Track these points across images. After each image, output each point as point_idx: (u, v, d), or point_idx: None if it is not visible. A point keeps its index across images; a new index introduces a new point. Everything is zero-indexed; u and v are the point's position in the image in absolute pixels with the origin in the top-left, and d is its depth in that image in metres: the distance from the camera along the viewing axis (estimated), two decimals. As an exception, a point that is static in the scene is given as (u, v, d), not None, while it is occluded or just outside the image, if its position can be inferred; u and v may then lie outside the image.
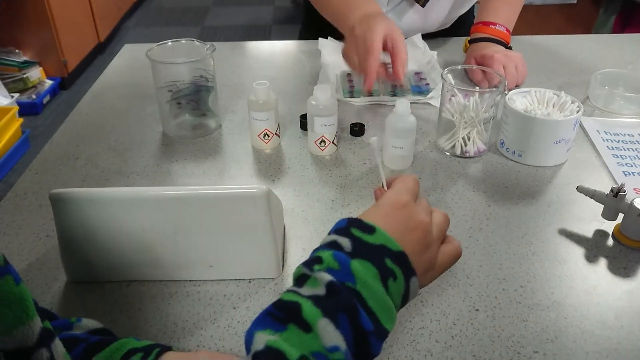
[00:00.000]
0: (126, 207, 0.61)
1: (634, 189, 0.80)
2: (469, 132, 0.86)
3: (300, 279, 0.42)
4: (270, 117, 0.86)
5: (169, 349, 0.51)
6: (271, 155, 0.89)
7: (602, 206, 0.72)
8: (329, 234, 0.45)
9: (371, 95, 1.04)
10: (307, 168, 0.86)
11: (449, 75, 0.88)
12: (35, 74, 2.89)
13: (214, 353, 0.55)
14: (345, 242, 0.43)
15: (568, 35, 1.34)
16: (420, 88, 1.05)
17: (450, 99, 0.86)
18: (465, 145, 0.87)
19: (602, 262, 0.68)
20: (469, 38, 1.16)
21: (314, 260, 0.42)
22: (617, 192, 0.69)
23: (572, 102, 0.86)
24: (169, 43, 0.93)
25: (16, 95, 2.74)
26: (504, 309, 0.61)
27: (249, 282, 0.65)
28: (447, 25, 1.27)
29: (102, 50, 3.49)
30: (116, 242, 0.62)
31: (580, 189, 0.74)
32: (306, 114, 0.87)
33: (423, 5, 1.16)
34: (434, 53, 1.16)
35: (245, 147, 0.91)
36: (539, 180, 0.83)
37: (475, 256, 0.69)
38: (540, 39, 1.32)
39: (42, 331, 0.36)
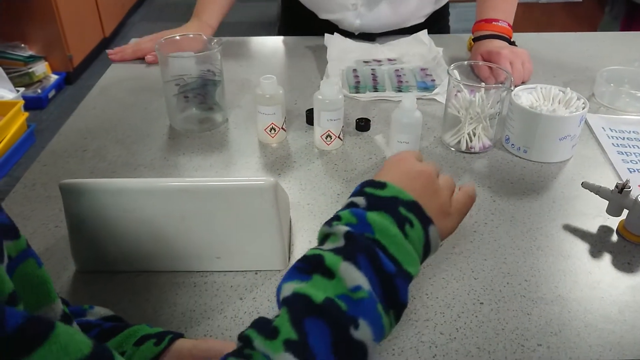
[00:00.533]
0: (135, 198, 0.61)
1: (639, 186, 0.80)
2: (475, 128, 0.87)
3: (323, 238, 0.45)
4: (276, 112, 0.87)
5: (181, 335, 0.52)
6: (277, 149, 0.90)
7: (607, 202, 0.72)
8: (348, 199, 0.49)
9: (377, 91, 1.04)
10: (313, 162, 0.86)
11: (455, 71, 0.88)
12: (40, 68, 2.90)
13: (225, 342, 0.56)
14: (360, 200, 0.46)
15: (574, 33, 1.34)
16: (425, 84, 1.06)
17: (456, 95, 0.87)
18: (471, 140, 0.88)
19: (606, 258, 0.68)
20: (472, 36, 1.17)
21: (333, 219, 0.46)
22: (622, 188, 0.69)
23: (578, 99, 0.86)
24: (177, 37, 0.94)
25: (22, 89, 2.75)
26: (508, 302, 0.62)
27: (256, 273, 0.66)
28: (421, 20, 1.26)
29: (107, 46, 3.50)
30: (125, 232, 0.63)
31: (585, 185, 0.74)
32: (312, 108, 0.88)
33: None
34: (440, 49, 1.16)
35: (252, 141, 0.92)
36: (544, 176, 0.83)
37: (480, 250, 0.69)
38: (546, 36, 1.32)
39: (63, 314, 0.36)
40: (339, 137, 0.88)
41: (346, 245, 0.42)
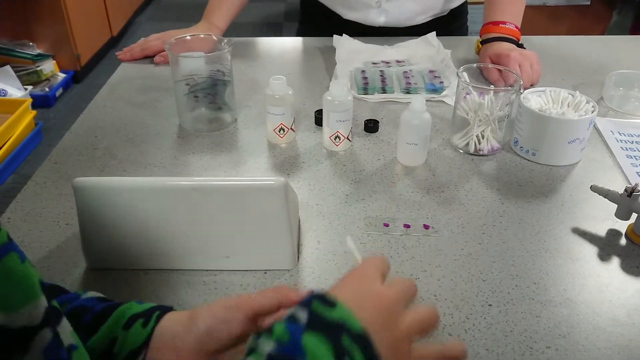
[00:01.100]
0: (147, 197, 0.62)
1: (648, 190, 0.80)
2: (483, 130, 0.87)
3: (249, 351, 0.39)
4: (286, 112, 0.87)
5: (169, 309, 0.51)
6: (286, 149, 0.90)
7: (615, 206, 0.72)
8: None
9: (385, 92, 1.05)
10: (322, 163, 0.87)
11: (465, 74, 0.89)
12: (48, 66, 2.92)
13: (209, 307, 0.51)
14: (302, 315, 0.39)
15: (583, 36, 1.34)
16: (434, 86, 1.06)
17: (465, 97, 0.87)
18: (479, 143, 0.88)
19: (615, 261, 0.68)
20: (480, 39, 1.17)
21: (267, 329, 0.39)
22: (631, 192, 0.69)
23: (587, 102, 0.86)
24: (187, 37, 0.94)
25: (30, 87, 2.78)
26: (517, 305, 0.62)
27: (265, 273, 0.66)
28: (444, 13, 1.27)
29: (115, 45, 3.51)
30: (136, 230, 0.63)
31: (594, 188, 0.74)
32: (321, 109, 0.88)
33: None
34: (448, 52, 1.16)
35: (261, 141, 0.92)
36: (552, 179, 0.83)
37: (488, 252, 0.69)
38: (555, 39, 1.32)
39: (47, 310, 0.35)
40: (347, 138, 0.88)
41: None
